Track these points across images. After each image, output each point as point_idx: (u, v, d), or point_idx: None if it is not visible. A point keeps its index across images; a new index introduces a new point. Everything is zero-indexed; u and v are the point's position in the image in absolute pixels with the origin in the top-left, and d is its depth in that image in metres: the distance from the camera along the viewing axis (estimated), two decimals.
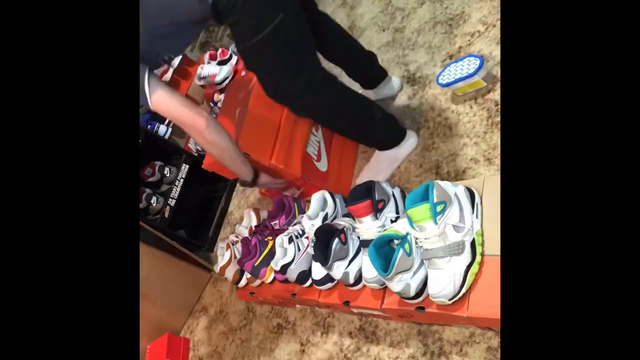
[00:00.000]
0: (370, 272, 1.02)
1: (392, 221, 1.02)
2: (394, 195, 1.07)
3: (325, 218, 1.21)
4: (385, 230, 0.99)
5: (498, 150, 1.12)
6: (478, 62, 1.19)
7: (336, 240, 1.06)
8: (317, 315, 1.34)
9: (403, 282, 0.91)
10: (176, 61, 2.24)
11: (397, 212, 1.04)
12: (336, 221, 1.17)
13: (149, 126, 2.13)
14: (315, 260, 1.17)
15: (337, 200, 1.25)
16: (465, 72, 1.21)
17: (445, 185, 0.92)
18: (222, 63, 2.17)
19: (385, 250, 0.96)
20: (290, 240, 1.21)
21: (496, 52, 1.27)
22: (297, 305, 1.38)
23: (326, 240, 1.07)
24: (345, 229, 1.10)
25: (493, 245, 0.90)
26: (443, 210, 0.87)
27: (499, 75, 1.22)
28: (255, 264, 1.37)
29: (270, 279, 1.37)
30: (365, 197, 1.02)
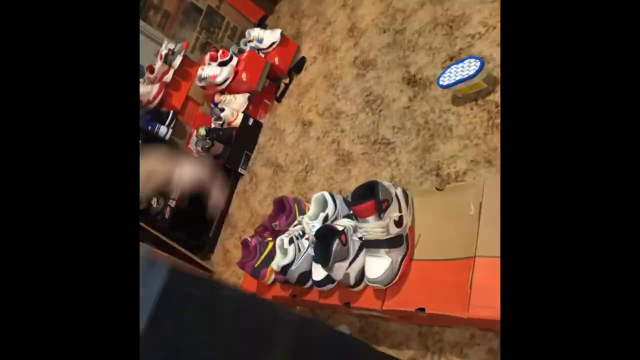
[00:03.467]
0: (374, 273, 1.02)
1: (395, 222, 1.03)
2: (397, 195, 1.07)
3: (325, 219, 1.21)
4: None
5: (498, 152, 1.13)
6: (478, 63, 1.19)
7: (337, 241, 1.06)
8: (317, 317, 1.34)
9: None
10: (177, 62, 2.24)
11: (400, 212, 1.05)
12: (336, 222, 1.17)
13: (149, 127, 2.13)
14: (316, 262, 1.17)
15: (338, 202, 1.25)
16: (465, 74, 1.21)
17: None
18: (222, 64, 2.18)
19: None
20: (291, 241, 1.21)
21: (496, 54, 1.27)
22: (298, 307, 1.38)
23: (327, 242, 1.07)
24: (345, 230, 1.10)
25: (493, 246, 0.90)
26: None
27: (499, 77, 1.22)
28: (256, 265, 1.36)
29: (271, 280, 1.37)
30: (369, 197, 1.02)
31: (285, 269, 1.20)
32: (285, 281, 1.28)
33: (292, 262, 1.20)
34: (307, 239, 1.23)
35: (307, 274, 1.21)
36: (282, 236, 1.25)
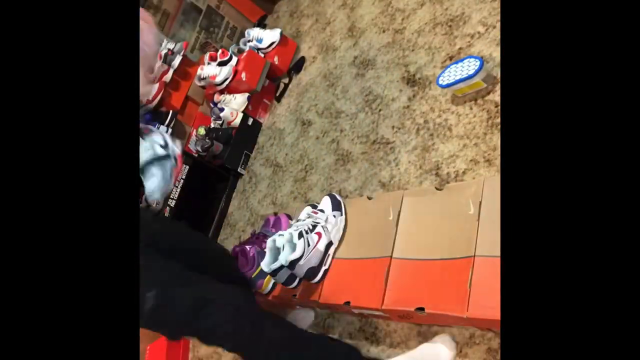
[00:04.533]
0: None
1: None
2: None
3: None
4: None
5: (498, 152, 1.12)
6: (478, 63, 1.19)
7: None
8: (317, 317, 1.34)
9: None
10: (176, 62, 2.24)
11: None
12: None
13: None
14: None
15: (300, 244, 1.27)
16: (465, 74, 1.21)
17: None
18: (222, 64, 2.17)
19: None
20: (300, 235, 1.21)
21: (496, 54, 1.27)
22: (297, 307, 1.38)
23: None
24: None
25: (493, 245, 0.90)
26: None
27: (498, 76, 1.22)
28: (253, 276, 1.37)
29: (268, 289, 1.38)
30: None
31: (293, 263, 1.20)
32: (285, 282, 1.28)
33: (301, 256, 1.20)
34: (317, 233, 1.23)
35: (316, 269, 1.22)
36: (291, 230, 1.23)
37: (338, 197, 1.34)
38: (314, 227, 1.24)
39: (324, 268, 1.23)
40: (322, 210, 1.29)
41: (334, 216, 1.27)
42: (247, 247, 1.43)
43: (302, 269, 1.20)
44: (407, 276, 1.03)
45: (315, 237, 1.22)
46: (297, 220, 1.31)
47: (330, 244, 1.24)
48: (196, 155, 2.11)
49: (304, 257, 1.19)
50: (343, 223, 1.28)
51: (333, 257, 1.25)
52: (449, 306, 0.90)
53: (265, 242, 1.38)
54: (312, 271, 1.21)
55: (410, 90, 1.47)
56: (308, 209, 1.32)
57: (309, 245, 1.21)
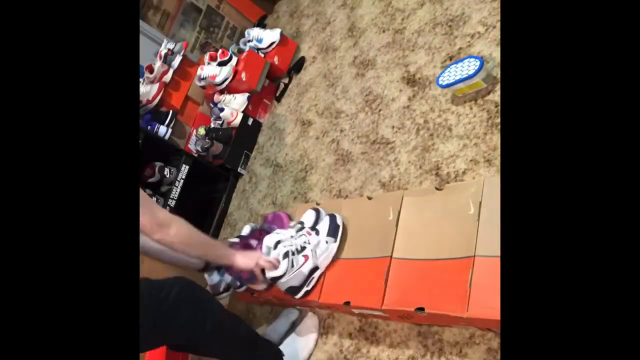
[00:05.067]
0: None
1: None
2: None
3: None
4: None
5: (498, 152, 1.12)
6: (478, 63, 1.19)
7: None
8: (317, 315, 1.34)
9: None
10: (176, 62, 2.24)
11: None
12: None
13: (149, 127, 2.13)
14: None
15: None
16: (465, 74, 1.21)
17: None
18: (222, 64, 2.17)
19: None
20: (286, 255, 1.20)
21: (496, 54, 1.27)
22: (297, 306, 1.38)
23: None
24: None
25: (492, 245, 0.90)
26: None
27: (498, 76, 1.22)
28: None
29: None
30: None
31: (275, 279, 1.21)
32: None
33: (283, 275, 1.20)
34: (305, 256, 1.22)
35: (297, 288, 1.23)
36: (280, 245, 1.23)
37: (338, 222, 1.27)
38: (303, 248, 1.23)
39: (305, 289, 1.23)
40: (317, 232, 1.26)
41: (327, 242, 1.24)
42: (252, 241, 1.42)
43: (283, 286, 1.22)
44: (407, 276, 1.03)
45: (302, 259, 1.21)
46: (297, 223, 1.31)
47: (315, 268, 1.23)
48: (196, 154, 2.11)
49: (286, 276, 1.20)
50: (334, 251, 1.25)
51: (317, 281, 1.24)
52: (449, 306, 0.90)
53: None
54: (293, 290, 1.23)
55: (410, 90, 1.47)
56: (310, 213, 1.32)
57: (292, 266, 1.20)
